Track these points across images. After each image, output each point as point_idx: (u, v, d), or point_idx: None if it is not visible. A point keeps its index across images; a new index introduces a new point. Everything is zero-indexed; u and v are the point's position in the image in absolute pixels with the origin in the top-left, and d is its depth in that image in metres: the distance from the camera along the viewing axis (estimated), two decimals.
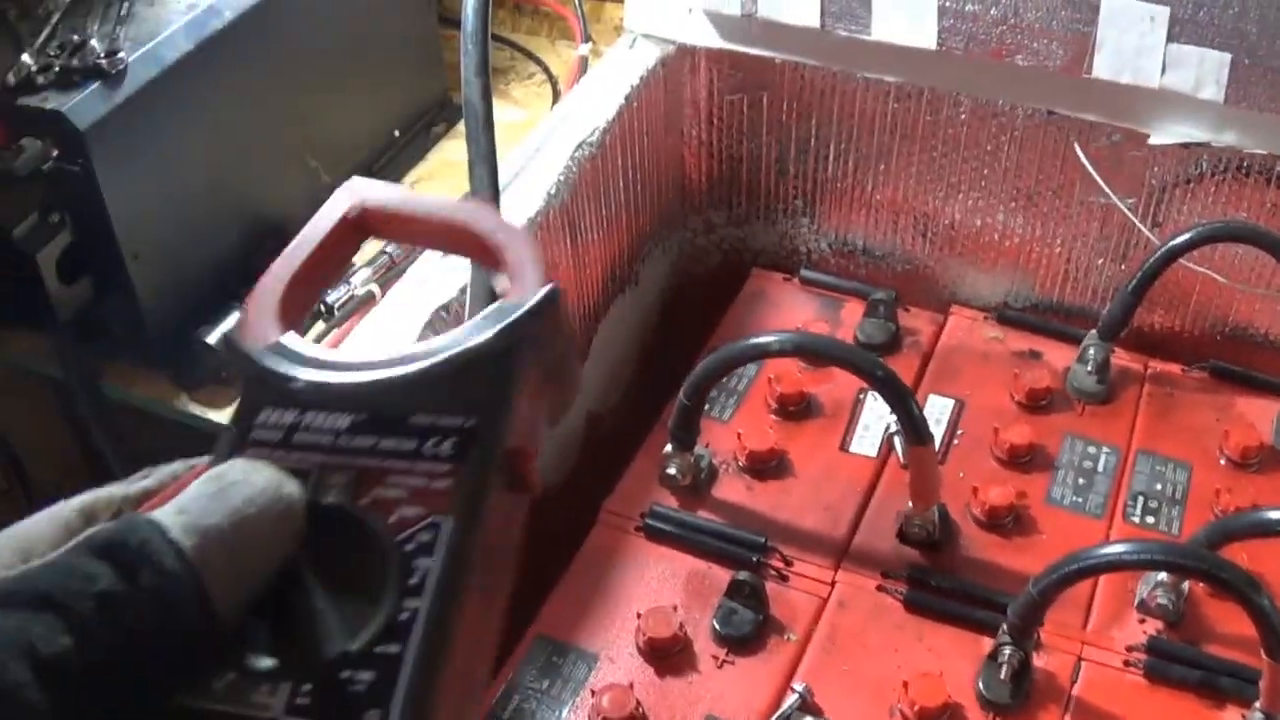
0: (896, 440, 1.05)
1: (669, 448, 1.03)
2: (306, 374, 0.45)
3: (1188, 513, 1.05)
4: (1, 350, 1.14)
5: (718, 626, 0.94)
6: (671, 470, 1.03)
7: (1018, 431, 1.07)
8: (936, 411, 1.11)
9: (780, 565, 0.99)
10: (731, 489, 1.04)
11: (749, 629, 0.93)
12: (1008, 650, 0.91)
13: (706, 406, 1.10)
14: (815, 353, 1.04)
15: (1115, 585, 0.99)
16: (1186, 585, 0.97)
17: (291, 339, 0.47)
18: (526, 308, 0.46)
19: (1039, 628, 0.93)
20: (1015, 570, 0.98)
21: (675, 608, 0.94)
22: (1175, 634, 0.97)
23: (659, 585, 0.98)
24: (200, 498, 0.39)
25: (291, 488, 0.41)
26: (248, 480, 0.41)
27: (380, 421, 0.44)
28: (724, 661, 0.93)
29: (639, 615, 0.94)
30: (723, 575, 0.96)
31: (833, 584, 0.98)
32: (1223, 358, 1.18)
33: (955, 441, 1.09)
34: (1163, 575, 0.97)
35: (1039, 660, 0.94)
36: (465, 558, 0.42)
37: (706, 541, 1.00)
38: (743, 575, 0.94)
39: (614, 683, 0.90)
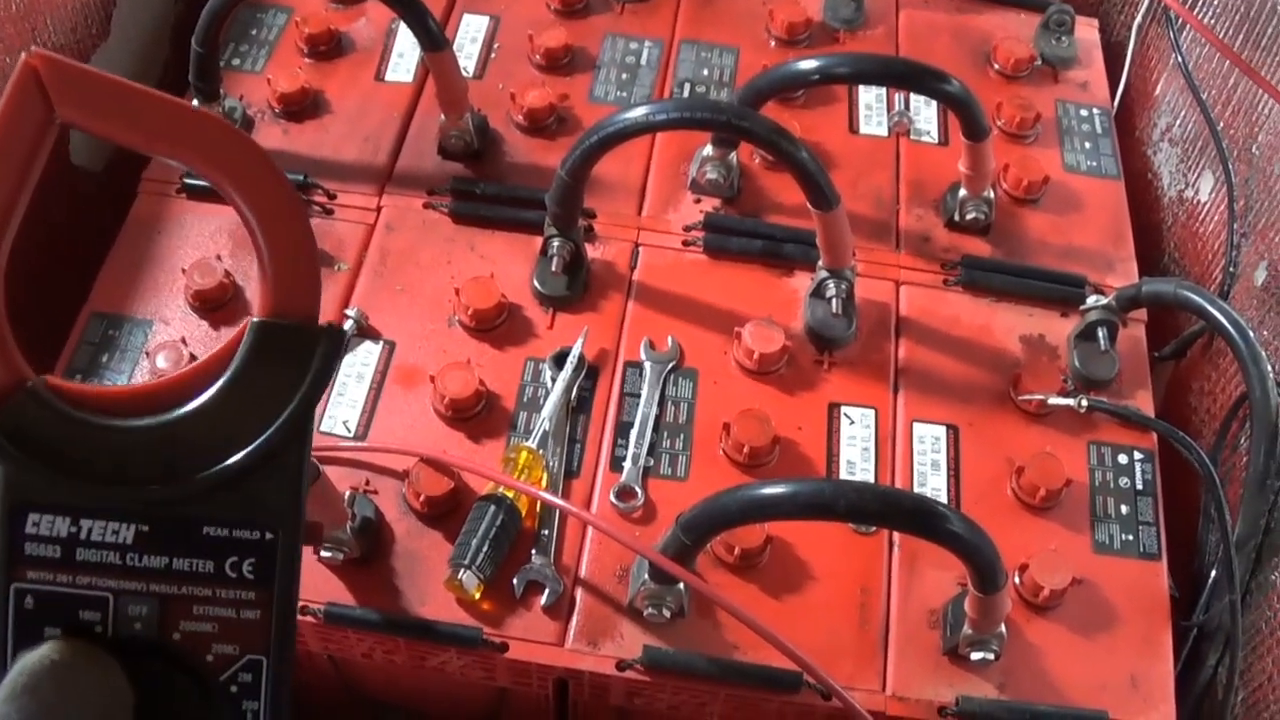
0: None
1: (195, 102, 0.98)
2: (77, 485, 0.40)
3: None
4: None
5: None
6: None
7: (552, 35, 1.07)
8: (472, 30, 1.10)
9: (324, 200, 0.97)
10: (269, 135, 1.01)
11: None
12: (556, 243, 0.93)
13: (238, 61, 1.06)
14: None
15: (666, 170, 1.02)
16: (735, 158, 1.00)
17: (43, 391, 0.40)
18: (313, 375, 0.41)
19: (582, 216, 0.95)
20: None
21: (219, 258, 0.92)
22: (733, 209, 1.00)
23: (206, 242, 0.95)
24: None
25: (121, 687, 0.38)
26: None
27: (169, 536, 0.40)
28: None
29: (184, 272, 0.91)
30: None
31: (378, 210, 0.98)
32: None
33: (493, 56, 1.08)
34: (709, 149, 0.99)
35: (596, 252, 0.97)
36: (285, 688, 0.41)
37: None
38: None
39: (165, 341, 0.88)
